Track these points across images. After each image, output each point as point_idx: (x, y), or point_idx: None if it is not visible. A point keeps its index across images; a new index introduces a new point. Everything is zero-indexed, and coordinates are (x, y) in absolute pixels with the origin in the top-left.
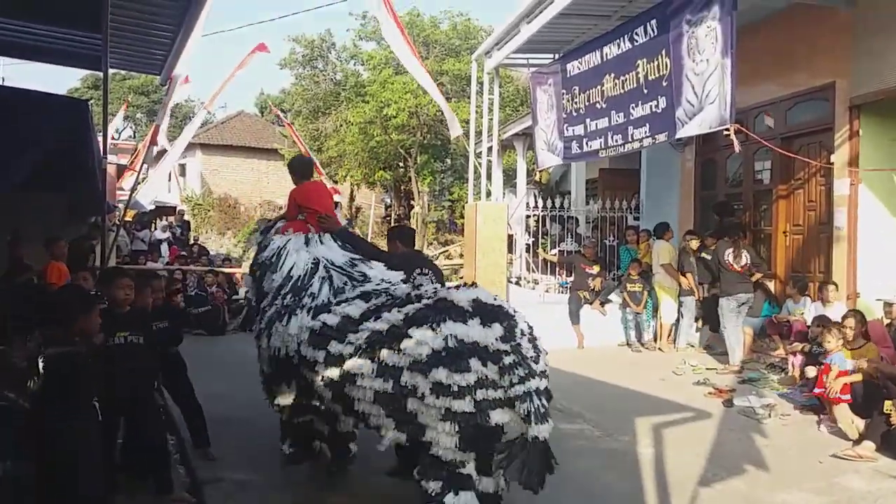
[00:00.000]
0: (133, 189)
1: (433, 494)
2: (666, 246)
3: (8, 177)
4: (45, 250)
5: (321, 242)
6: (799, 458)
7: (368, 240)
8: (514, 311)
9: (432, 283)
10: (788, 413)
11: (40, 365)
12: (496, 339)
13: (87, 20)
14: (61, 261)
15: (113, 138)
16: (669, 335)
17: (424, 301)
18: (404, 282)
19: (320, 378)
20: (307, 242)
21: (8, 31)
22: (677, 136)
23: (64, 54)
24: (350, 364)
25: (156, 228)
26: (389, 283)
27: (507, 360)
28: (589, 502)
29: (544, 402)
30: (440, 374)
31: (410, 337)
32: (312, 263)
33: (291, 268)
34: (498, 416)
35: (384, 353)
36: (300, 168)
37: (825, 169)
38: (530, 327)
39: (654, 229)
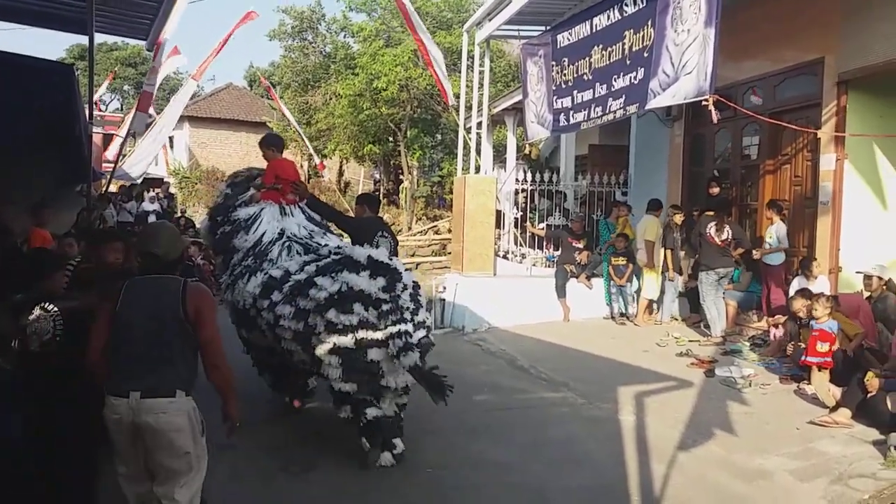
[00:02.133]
0: (118, 159)
1: (346, 417)
2: (653, 222)
3: None
4: (30, 216)
5: (291, 215)
6: (777, 424)
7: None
8: (403, 270)
9: (391, 245)
10: (768, 383)
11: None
12: (379, 290)
13: None
14: (45, 227)
15: (100, 110)
16: (648, 310)
17: (334, 256)
18: (368, 242)
19: (265, 322)
20: (281, 213)
21: None
22: (647, 107)
23: (49, 17)
24: (278, 309)
25: (143, 200)
26: (338, 248)
27: (386, 307)
28: (569, 466)
29: (409, 340)
30: (331, 314)
31: (317, 285)
32: (278, 233)
33: (262, 234)
34: (374, 354)
35: (299, 299)
36: (277, 143)
37: (812, 144)
38: (416, 285)
39: (648, 205)
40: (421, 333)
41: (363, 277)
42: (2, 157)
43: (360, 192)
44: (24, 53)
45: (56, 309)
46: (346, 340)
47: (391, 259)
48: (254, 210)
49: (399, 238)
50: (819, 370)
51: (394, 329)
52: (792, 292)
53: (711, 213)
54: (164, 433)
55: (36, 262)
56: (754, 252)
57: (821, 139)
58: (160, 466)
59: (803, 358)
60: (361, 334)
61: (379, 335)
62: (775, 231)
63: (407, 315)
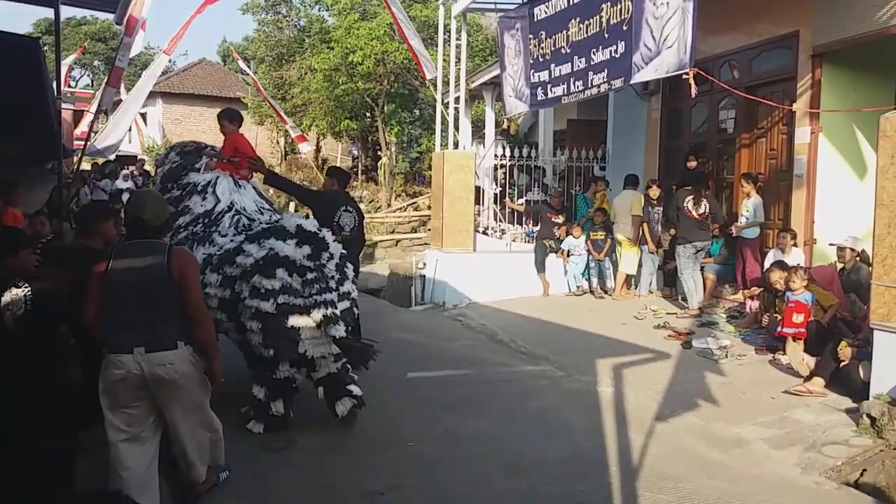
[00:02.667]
0: (89, 136)
1: (259, 398)
2: (638, 197)
3: None
4: (0, 195)
5: (243, 189)
6: (753, 394)
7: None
8: (330, 240)
9: (354, 220)
10: (744, 354)
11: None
12: (304, 257)
13: None
14: (16, 206)
15: (69, 86)
16: (626, 284)
17: (263, 226)
18: (331, 216)
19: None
20: (236, 185)
21: None
22: (632, 81)
23: None
24: (206, 277)
25: (117, 178)
26: (274, 222)
27: (310, 275)
28: (548, 436)
29: (335, 311)
30: (255, 279)
31: (244, 252)
32: (228, 205)
33: (215, 204)
34: (295, 321)
35: (226, 267)
36: (236, 117)
37: (787, 118)
38: (343, 256)
39: (625, 179)
40: (345, 304)
41: (289, 244)
42: None
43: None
44: None
45: (27, 285)
46: (268, 305)
47: (320, 229)
48: (210, 176)
49: (378, 215)
50: (794, 341)
51: (319, 298)
52: (767, 265)
53: (689, 187)
54: (175, 382)
55: (6, 240)
56: (732, 228)
57: (796, 112)
58: (168, 414)
59: (779, 329)
60: (283, 299)
61: (300, 301)
62: (752, 204)
63: (332, 284)
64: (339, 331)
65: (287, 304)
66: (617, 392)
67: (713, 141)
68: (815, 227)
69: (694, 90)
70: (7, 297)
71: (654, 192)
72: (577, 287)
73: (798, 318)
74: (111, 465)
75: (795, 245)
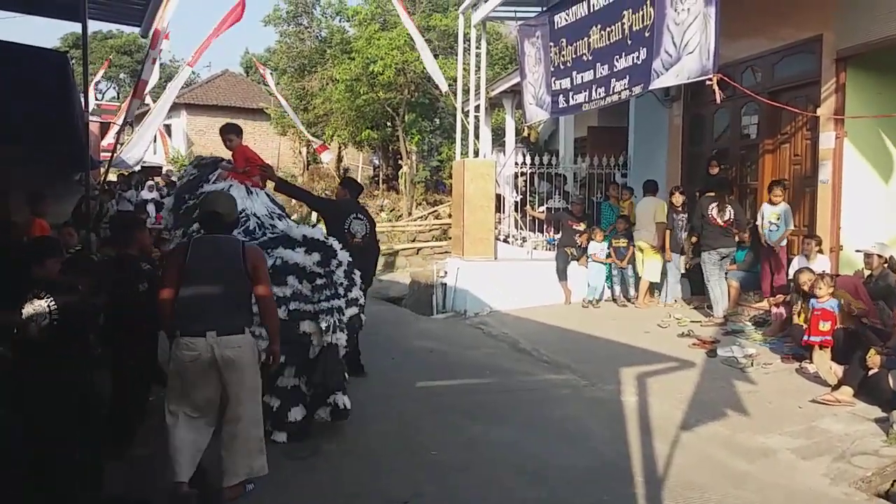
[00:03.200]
0: (115, 147)
1: (274, 408)
2: (661, 204)
3: None
4: (28, 206)
5: (255, 195)
6: (779, 403)
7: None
8: (338, 249)
9: (365, 227)
10: (770, 362)
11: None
12: (313, 264)
13: None
14: (44, 217)
15: (96, 98)
16: (650, 292)
17: (270, 234)
18: (342, 224)
19: None
20: (247, 192)
21: None
22: (651, 87)
23: (42, 5)
24: None
25: (142, 189)
26: (282, 231)
27: (319, 281)
28: (570, 445)
29: (341, 318)
30: None
31: None
32: (240, 210)
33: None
34: (306, 326)
35: None
36: (238, 130)
37: (811, 123)
38: (350, 264)
39: (644, 186)
40: (353, 311)
41: (298, 252)
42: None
43: (358, 178)
44: (16, 42)
45: (52, 298)
46: (280, 312)
47: (327, 238)
48: (222, 185)
49: (399, 223)
50: (821, 349)
51: (326, 305)
52: (792, 272)
53: (711, 193)
54: (240, 363)
55: (32, 250)
56: (774, 246)
57: (820, 117)
58: (230, 394)
59: (805, 337)
60: (294, 306)
61: (310, 308)
62: (781, 211)
63: (341, 291)
64: (340, 339)
65: (298, 310)
66: (641, 401)
67: (736, 147)
68: (842, 234)
69: (719, 96)
70: (30, 308)
71: (678, 199)
72: (594, 300)
73: (824, 325)
74: (170, 448)
75: (821, 252)
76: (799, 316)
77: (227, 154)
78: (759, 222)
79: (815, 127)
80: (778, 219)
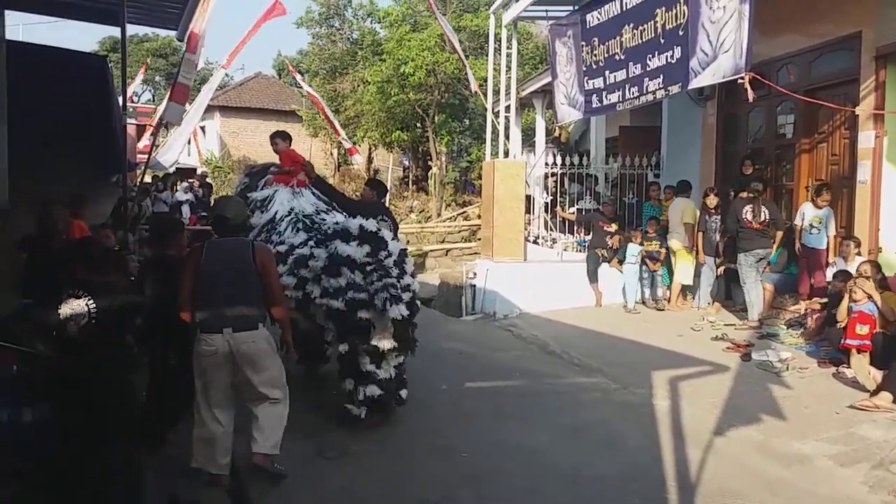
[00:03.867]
0: (151, 150)
1: (349, 390)
2: (690, 205)
3: (33, 134)
4: (68, 208)
5: (301, 195)
6: (816, 409)
7: (385, 200)
8: (389, 240)
9: (389, 229)
10: (806, 366)
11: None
12: (364, 255)
13: None
14: (83, 218)
15: (132, 101)
16: (682, 295)
17: (331, 229)
18: None
19: None
20: (293, 195)
21: None
22: (689, 87)
23: (81, 10)
24: (283, 280)
25: (177, 190)
26: (336, 223)
27: (370, 268)
28: (602, 450)
29: (395, 293)
30: (324, 280)
31: (314, 256)
32: (287, 212)
33: (275, 213)
34: (363, 314)
35: (300, 269)
36: (288, 137)
37: (849, 121)
38: (402, 253)
39: (676, 186)
40: (407, 296)
41: (352, 245)
42: (39, 149)
43: (388, 179)
44: (57, 46)
45: (88, 297)
46: (337, 304)
47: (379, 230)
48: (268, 192)
49: (429, 224)
50: (858, 353)
51: (379, 283)
52: (829, 275)
53: (744, 194)
54: (256, 356)
55: (78, 251)
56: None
57: (858, 116)
58: (251, 384)
59: (842, 341)
60: (350, 295)
61: (364, 295)
62: (824, 215)
63: (392, 273)
64: (398, 310)
65: (354, 299)
66: (673, 405)
67: (771, 146)
68: (881, 235)
69: (751, 95)
70: (68, 308)
71: (712, 200)
72: (633, 304)
73: (862, 329)
74: (202, 442)
75: (860, 254)
76: (837, 319)
77: (258, 155)
78: (797, 223)
79: (854, 126)
80: (820, 222)
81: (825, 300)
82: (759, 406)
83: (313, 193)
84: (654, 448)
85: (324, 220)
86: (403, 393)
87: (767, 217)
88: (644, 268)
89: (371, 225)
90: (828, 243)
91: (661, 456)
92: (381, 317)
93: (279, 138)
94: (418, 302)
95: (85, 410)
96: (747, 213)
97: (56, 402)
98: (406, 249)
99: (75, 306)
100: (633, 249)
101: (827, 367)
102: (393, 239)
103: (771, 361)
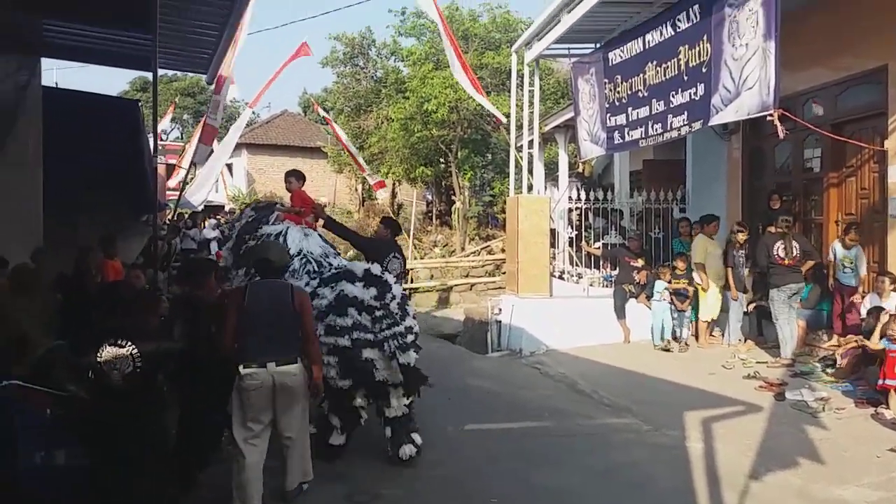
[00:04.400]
0: (182, 189)
1: (336, 426)
2: (701, 242)
3: (68, 177)
4: (100, 249)
5: (310, 236)
6: (855, 452)
7: (410, 234)
8: (392, 283)
9: (400, 265)
10: (843, 407)
11: (128, 362)
12: (371, 298)
13: (137, 22)
14: (115, 259)
15: (161, 139)
16: (709, 331)
17: (334, 270)
18: (381, 262)
19: None
20: (303, 235)
21: (64, 35)
22: (711, 123)
23: (115, 56)
24: None
25: (204, 227)
26: (342, 267)
27: (378, 313)
28: (635, 494)
29: (404, 341)
30: (329, 318)
31: (318, 295)
32: (297, 251)
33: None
34: (368, 353)
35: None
36: (301, 177)
37: (879, 155)
38: (404, 296)
39: (700, 220)
40: (410, 337)
41: (357, 287)
42: (73, 192)
43: (412, 214)
44: (91, 91)
45: (132, 345)
46: (343, 341)
47: (383, 273)
48: (281, 227)
49: (453, 259)
50: None
51: (389, 332)
52: (863, 311)
53: (773, 229)
54: (294, 388)
55: (109, 297)
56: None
57: (888, 150)
58: (287, 415)
59: (881, 381)
60: (356, 335)
61: (371, 336)
62: (854, 255)
63: (398, 320)
64: (410, 357)
65: (360, 339)
66: (707, 447)
67: (798, 180)
68: None
69: (781, 132)
70: (108, 353)
71: (742, 237)
72: (664, 341)
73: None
74: (240, 476)
75: (895, 290)
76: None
77: (284, 191)
78: (830, 259)
79: (884, 160)
80: (851, 263)
81: (859, 337)
82: (796, 449)
83: (320, 237)
84: (687, 492)
85: (331, 263)
86: (405, 449)
87: (798, 252)
88: (672, 307)
89: (375, 269)
90: (860, 280)
91: (695, 500)
92: (388, 361)
93: (293, 177)
94: (419, 343)
95: (121, 453)
96: (779, 249)
97: (90, 446)
98: (406, 293)
99: (119, 353)
100: (660, 286)
101: (864, 407)
102: (400, 273)
103: (806, 401)
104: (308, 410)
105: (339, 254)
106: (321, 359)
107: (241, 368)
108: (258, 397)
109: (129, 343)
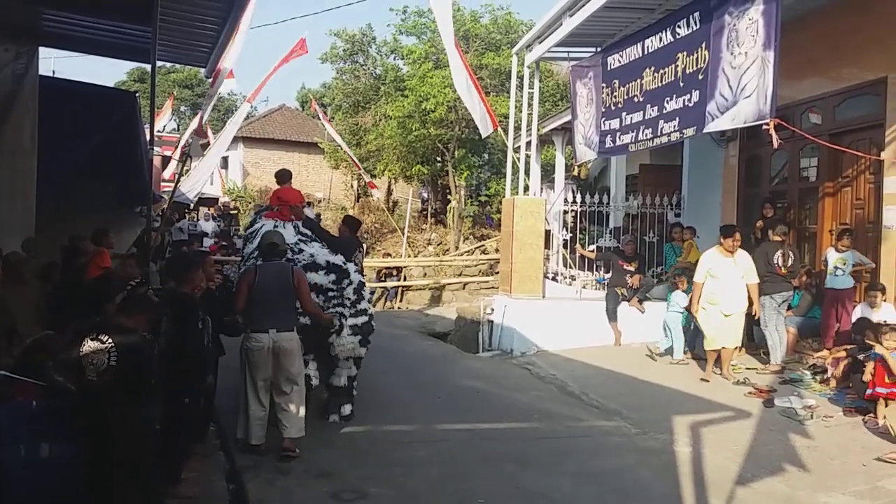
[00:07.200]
0: (177, 180)
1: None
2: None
3: (62, 167)
4: (92, 241)
5: (284, 227)
6: (842, 460)
7: (404, 232)
8: (352, 272)
9: (362, 257)
10: (831, 415)
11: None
12: (329, 283)
13: (137, 13)
14: (104, 247)
15: (158, 131)
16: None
17: (303, 260)
18: (347, 259)
19: None
20: (273, 227)
21: (62, 25)
22: (706, 130)
23: (114, 47)
24: None
25: (198, 219)
26: (311, 255)
27: (331, 294)
28: (623, 498)
29: (344, 322)
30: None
31: None
32: None
33: (259, 243)
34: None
35: None
36: (285, 176)
37: (874, 166)
38: (361, 283)
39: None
40: (363, 319)
41: (320, 275)
42: (68, 182)
43: (407, 211)
44: (88, 81)
45: (111, 341)
46: (303, 319)
47: (344, 263)
48: (256, 226)
49: (447, 258)
50: (887, 403)
51: (333, 310)
52: (854, 320)
53: (775, 237)
54: (291, 352)
55: (99, 289)
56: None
57: (884, 160)
58: (284, 373)
59: (869, 390)
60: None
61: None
62: (848, 257)
63: (347, 303)
64: (347, 342)
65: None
66: (695, 452)
67: (794, 189)
68: None
69: (777, 141)
70: (88, 347)
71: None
72: (685, 353)
73: (892, 378)
74: (247, 419)
75: (886, 300)
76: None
77: (272, 183)
78: (822, 267)
79: (880, 171)
80: (844, 264)
81: (851, 346)
82: (783, 456)
83: (295, 228)
84: (675, 497)
85: (302, 250)
86: (344, 410)
87: (793, 261)
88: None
89: (339, 259)
90: (854, 286)
91: None
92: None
93: (278, 177)
94: (373, 323)
95: (103, 448)
96: (778, 258)
97: (75, 439)
98: (364, 281)
99: (98, 347)
100: (679, 297)
101: (853, 415)
102: (360, 262)
103: (795, 409)
104: (302, 375)
105: (312, 239)
106: (322, 312)
107: (248, 332)
108: (260, 356)
109: (108, 338)
